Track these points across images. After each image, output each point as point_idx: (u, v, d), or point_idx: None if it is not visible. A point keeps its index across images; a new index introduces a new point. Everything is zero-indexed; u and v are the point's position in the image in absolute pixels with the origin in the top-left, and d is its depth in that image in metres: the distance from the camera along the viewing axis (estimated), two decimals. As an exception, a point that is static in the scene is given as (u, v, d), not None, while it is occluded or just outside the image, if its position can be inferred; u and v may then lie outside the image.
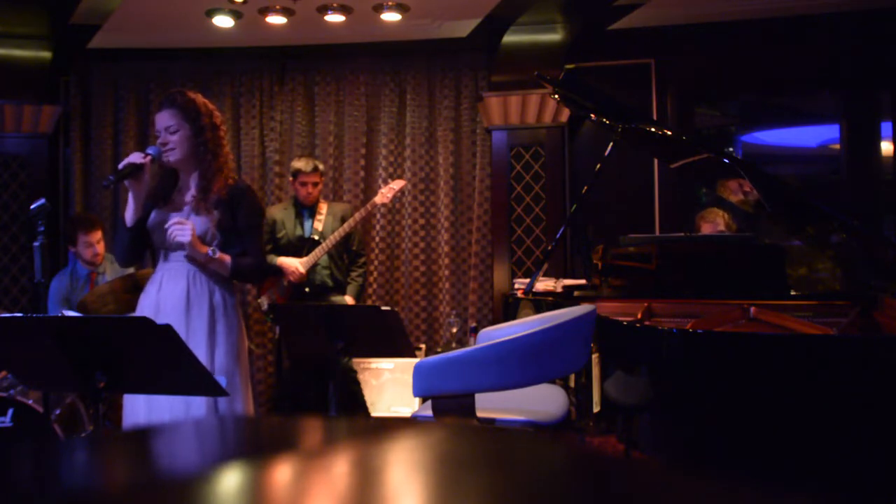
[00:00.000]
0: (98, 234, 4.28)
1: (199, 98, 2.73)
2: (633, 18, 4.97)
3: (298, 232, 4.58)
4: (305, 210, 4.61)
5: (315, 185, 4.55)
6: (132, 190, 2.62)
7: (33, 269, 2.70)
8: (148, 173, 2.65)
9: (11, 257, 5.15)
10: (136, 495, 0.47)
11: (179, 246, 2.62)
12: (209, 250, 2.62)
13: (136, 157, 2.61)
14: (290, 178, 4.64)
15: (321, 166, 4.61)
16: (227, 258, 2.67)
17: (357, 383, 4.66)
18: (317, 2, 4.68)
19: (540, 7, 4.87)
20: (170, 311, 2.60)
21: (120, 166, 2.61)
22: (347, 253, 4.68)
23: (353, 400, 4.59)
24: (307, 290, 4.49)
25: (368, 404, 4.71)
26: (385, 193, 4.56)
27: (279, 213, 4.64)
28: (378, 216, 5.39)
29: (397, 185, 4.63)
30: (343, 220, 4.55)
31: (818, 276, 3.31)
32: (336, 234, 4.45)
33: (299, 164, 4.56)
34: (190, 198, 2.70)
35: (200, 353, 2.57)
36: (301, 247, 4.53)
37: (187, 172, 2.72)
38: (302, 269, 4.43)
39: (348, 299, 4.60)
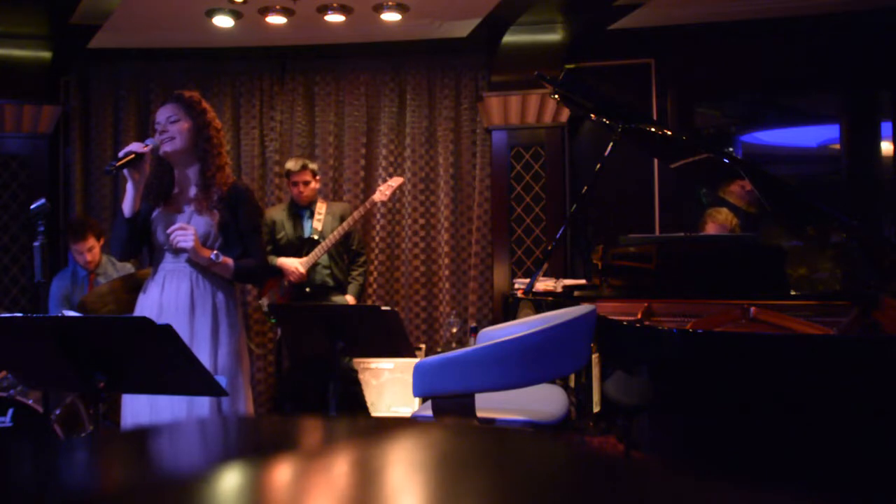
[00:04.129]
0: (88, 243, 4.18)
1: (204, 101, 2.75)
2: (633, 18, 4.97)
3: (298, 232, 4.58)
4: (304, 210, 4.61)
5: (306, 183, 4.54)
6: (131, 179, 2.61)
7: (33, 269, 2.69)
8: (148, 164, 2.64)
9: (11, 257, 5.15)
10: (136, 495, 0.47)
11: (182, 249, 2.62)
12: (212, 254, 2.62)
13: (136, 146, 2.60)
14: (286, 179, 4.66)
15: (312, 165, 4.58)
16: (230, 261, 2.67)
17: (357, 383, 4.66)
18: (317, 2, 4.68)
19: (540, 7, 4.87)
20: (174, 312, 2.59)
21: (121, 154, 2.60)
22: (347, 252, 4.68)
23: (353, 400, 4.59)
24: (308, 289, 4.50)
25: (368, 404, 4.72)
26: (383, 191, 4.56)
27: (278, 213, 4.64)
28: (378, 216, 5.39)
29: (395, 182, 4.63)
30: (342, 219, 4.55)
31: (818, 276, 3.31)
32: (335, 233, 4.45)
33: (290, 163, 4.60)
34: (192, 195, 2.70)
35: (204, 354, 2.57)
36: (301, 247, 4.53)
37: (185, 168, 2.72)
38: (302, 269, 4.43)
39: (349, 299, 4.60)
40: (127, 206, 2.64)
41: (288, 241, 4.55)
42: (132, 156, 2.57)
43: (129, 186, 2.62)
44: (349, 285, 4.65)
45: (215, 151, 2.68)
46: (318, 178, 4.64)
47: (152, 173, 2.69)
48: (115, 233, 2.72)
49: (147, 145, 2.62)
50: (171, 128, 2.64)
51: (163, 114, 2.68)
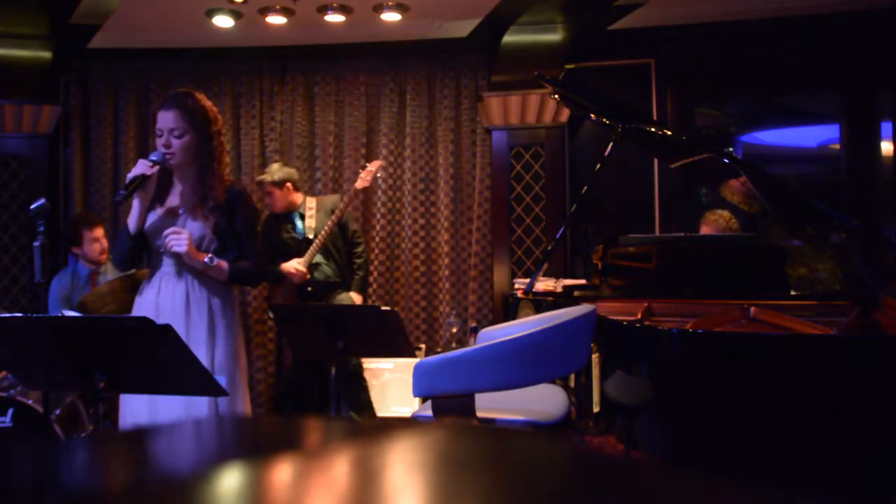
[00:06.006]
0: (101, 230, 4.31)
1: (207, 102, 2.70)
2: (633, 18, 4.97)
3: (292, 234, 4.58)
4: (294, 213, 4.61)
5: (269, 195, 4.56)
6: (139, 199, 2.62)
7: (33, 269, 2.69)
8: (154, 181, 2.64)
9: (11, 257, 5.15)
10: (135, 495, 0.47)
11: (176, 253, 2.62)
12: (206, 258, 2.62)
13: (143, 168, 2.58)
14: None
15: (273, 177, 4.54)
16: (225, 265, 2.67)
17: (364, 386, 4.64)
18: (317, 2, 4.68)
19: (540, 7, 4.87)
20: (169, 313, 2.59)
21: (128, 178, 2.58)
22: (346, 244, 4.68)
23: (359, 401, 4.58)
24: (310, 288, 4.50)
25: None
26: (364, 178, 4.55)
27: (271, 219, 4.64)
28: (378, 216, 5.39)
29: (374, 166, 4.63)
30: (333, 212, 4.55)
31: (818, 276, 3.31)
32: (326, 227, 4.46)
33: None
34: (188, 199, 2.69)
35: (200, 355, 2.56)
36: (298, 248, 4.54)
37: (184, 174, 2.71)
38: (302, 268, 4.44)
39: (354, 297, 4.60)
40: (132, 223, 2.65)
41: (285, 245, 4.55)
42: (140, 178, 2.56)
43: (136, 204, 2.63)
44: (352, 282, 4.65)
45: (215, 164, 2.67)
46: (288, 186, 4.56)
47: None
48: (118, 245, 2.73)
49: (153, 161, 2.60)
50: (174, 142, 2.62)
51: (165, 121, 2.63)
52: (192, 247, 2.59)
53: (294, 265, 4.44)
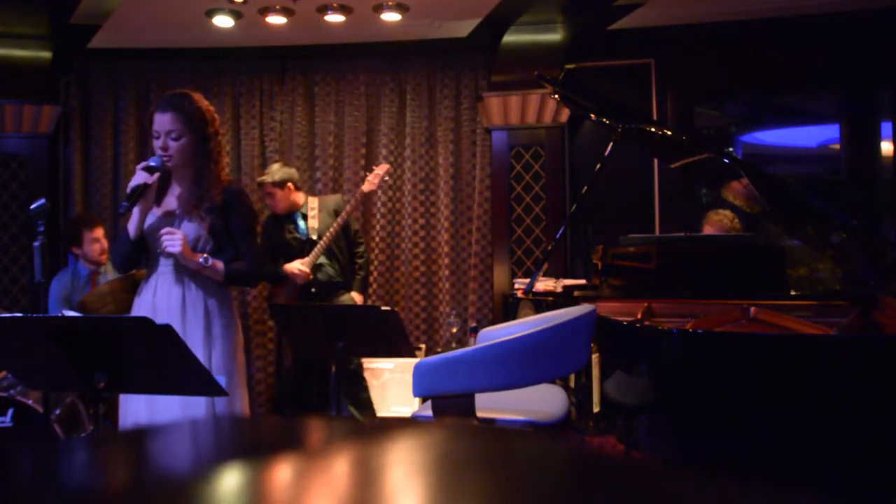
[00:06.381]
0: (101, 230, 4.31)
1: (204, 103, 2.69)
2: (633, 18, 4.97)
3: (295, 234, 4.58)
4: (296, 213, 4.61)
5: (271, 195, 4.54)
6: (139, 205, 2.62)
7: (33, 269, 2.70)
8: (154, 189, 2.64)
9: (11, 257, 5.15)
10: (135, 496, 0.47)
11: (171, 254, 2.62)
12: (201, 258, 2.62)
13: (143, 177, 2.57)
14: None
15: (274, 177, 4.52)
16: (220, 265, 2.66)
17: (365, 384, 4.64)
18: (317, 2, 4.68)
19: (540, 7, 4.87)
20: (166, 314, 2.59)
21: (129, 188, 2.58)
22: (348, 244, 4.68)
23: (360, 401, 4.57)
24: (313, 289, 4.50)
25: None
26: (371, 181, 4.55)
27: (273, 219, 4.64)
28: (378, 216, 5.39)
29: (381, 169, 4.62)
30: (336, 212, 4.55)
31: (818, 276, 3.31)
32: (331, 230, 4.45)
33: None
34: (184, 200, 2.69)
35: (197, 355, 2.56)
36: (302, 249, 4.53)
37: (181, 175, 2.71)
38: (306, 269, 4.43)
39: (355, 297, 4.60)
40: (132, 228, 2.65)
41: (288, 246, 4.55)
42: (142, 187, 2.56)
43: (137, 210, 2.63)
44: (353, 282, 4.65)
45: (212, 165, 2.66)
46: (289, 186, 4.54)
47: None
48: (117, 248, 2.74)
49: (153, 168, 2.60)
50: (171, 145, 2.61)
51: (162, 123, 2.62)
52: (186, 247, 2.59)
53: (297, 266, 4.44)
